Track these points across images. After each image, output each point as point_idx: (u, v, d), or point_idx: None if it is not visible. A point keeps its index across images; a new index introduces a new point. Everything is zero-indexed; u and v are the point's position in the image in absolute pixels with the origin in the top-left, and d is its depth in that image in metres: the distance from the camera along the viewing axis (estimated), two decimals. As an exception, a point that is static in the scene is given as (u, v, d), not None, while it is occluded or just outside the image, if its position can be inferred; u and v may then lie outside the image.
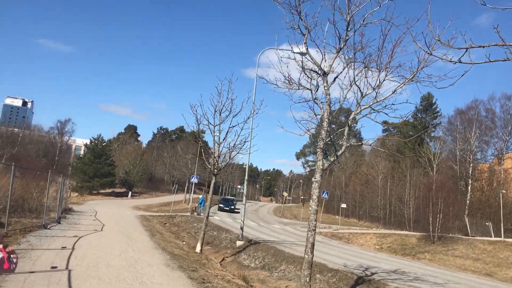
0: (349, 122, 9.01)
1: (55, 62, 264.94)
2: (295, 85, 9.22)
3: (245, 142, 16.23)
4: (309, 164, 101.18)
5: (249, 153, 17.95)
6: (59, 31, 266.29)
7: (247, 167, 20.90)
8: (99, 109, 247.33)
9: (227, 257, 18.12)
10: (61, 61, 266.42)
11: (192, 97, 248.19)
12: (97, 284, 8.64)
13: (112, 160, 64.42)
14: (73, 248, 12.76)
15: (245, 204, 20.42)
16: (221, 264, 16.76)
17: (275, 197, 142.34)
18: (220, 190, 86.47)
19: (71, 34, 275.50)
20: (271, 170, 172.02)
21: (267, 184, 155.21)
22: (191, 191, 48.44)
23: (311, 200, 8.87)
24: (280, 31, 10.32)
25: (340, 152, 8.92)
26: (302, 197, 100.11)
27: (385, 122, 62.33)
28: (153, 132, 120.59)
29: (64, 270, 9.47)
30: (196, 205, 39.99)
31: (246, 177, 20.58)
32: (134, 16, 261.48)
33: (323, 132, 8.87)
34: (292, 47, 9.30)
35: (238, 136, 16.21)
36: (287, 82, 9.28)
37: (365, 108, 8.92)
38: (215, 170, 16.65)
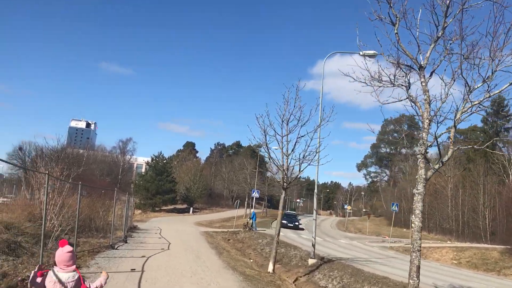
0: (455, 121, 7.61)
1: (115, 84, 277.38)
2: (386, 82, 7.96)
3: (316, 152, 15.01)
4: (371, 175, 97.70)
5: (318, 165, 16.74)
6: (119, 54, 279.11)
7: (316, 177, 19.62)
8: (158, 128, 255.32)
9: (300, 277, 16.86)
10: (121, 83, 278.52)
11: (250, 110, 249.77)
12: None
13: (173, 177, 65.20)
14: (142, 270, 12.09)
15: (315, 220, 19.12)
16: (295, 285, 15.54)
17: (335, 210, 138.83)
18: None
19: (129, 58, 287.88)
20: (329, 182, 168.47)
21: (326, 197, 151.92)
22: (251, 206, 47.59)
23: (413, 216, 7.53)
24: (363, 23, 9.12)
25: (446, 158, 7.52)
26: (364, 210, 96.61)
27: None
28: (211, 148, 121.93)
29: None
30: (248, 220, 39.03)
31: (315, 190, 19.28)
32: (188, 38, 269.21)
33: (424, 135, 7.53)
34: (378, 40, 8.07)
35: (308, 146, 15.07)
36: (376, 79, 8.04)
37: (474, 105, 7.50)
38: (285, 184, 15.56)
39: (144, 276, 11.20)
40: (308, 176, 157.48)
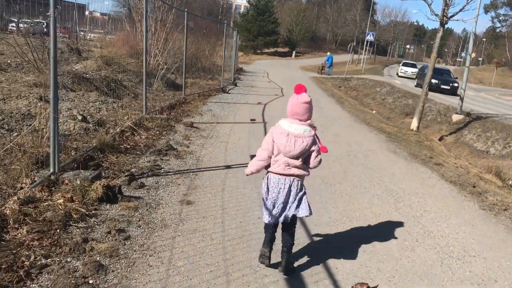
0: None
1: None
2: None
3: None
4: (499, 18, 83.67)
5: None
6: None
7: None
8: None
9: (446, 136, 13.83)
10: None
11: None
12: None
13: (275, 17, 60.97)
14: (264, 121, 9.86)
15: (468, 67, 15.12)
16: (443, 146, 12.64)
17: (443, 59, 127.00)
18: (388, 51, 78.64)
19: None
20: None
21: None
22: (365, 51, 43.02)
23: None
24: None
25: None
26: (480, 59, 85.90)
27: None
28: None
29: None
30: (323, 62, 35.47)
31: (475, 25, 14.77)
32: None
33: None
34: None
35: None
36: None
37: None
38: (445, 18, 11.54)
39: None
40: (417, 21, 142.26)
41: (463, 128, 14.12)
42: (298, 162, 3.18)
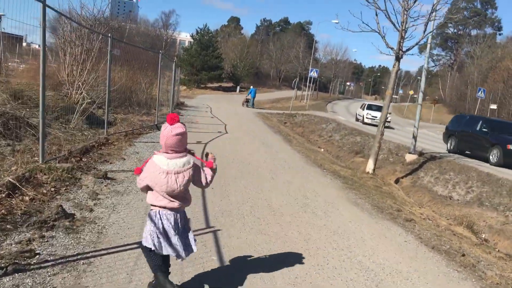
0: None
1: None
2: None
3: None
4: (433, 58, 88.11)
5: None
6: None
7: (428, 46, 14.32)
8: (201, 3, 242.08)
9: (401, 178, 12.83)
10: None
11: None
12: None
13: (218, 53, 60.28)
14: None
15: (421, 104, 14.41)
16: (400, 189, 11.55)
17: (380, 96, 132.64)
18: (330, 87, 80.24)
19: None
20: (377, 66, 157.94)
21: (372, 82, 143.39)
22: (308, 87, 42.89)
23: None
24: None
25: None
26: (414, 96, 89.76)
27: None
28: (256, 25, 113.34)
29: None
30: (246, 96, 36.17)
31: (425, 63, 14.17)
32: None
33: None
34: None
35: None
36: None
37: None
38: (400, 52, 10.68)
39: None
40: (355, 59, 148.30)
41: (418, 169, 13.21)
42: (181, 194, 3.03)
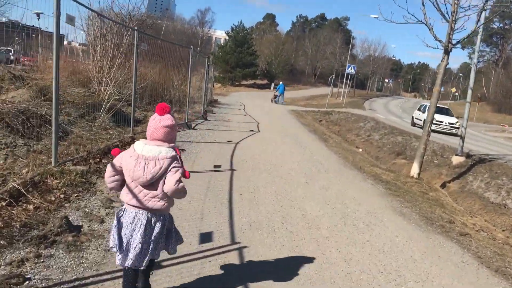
0: None
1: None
2: None
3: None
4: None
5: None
6: None
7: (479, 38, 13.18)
8: (237, 0, 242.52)
9: (448, 182, 11.81)
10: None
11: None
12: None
13: (253, 49, 59.71)
14: (231, 169, 7.61)
15: (469, 102, 13.31)
16: (447, 194, 10.58)
17: (420, 93, 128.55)
18: (367, 84, 78.24)
19: None
20: (416, 63, 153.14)
21: (411, 79, 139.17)
22: (345, 85, 41.62)
23: None
24: None
25: None
26: (455, 93, 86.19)
27: None
28: (292, 21, 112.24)
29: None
30: (274, 92, 35.10)
31: (477, 48, 13.04)
32: None
33: None
34: None
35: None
36: None
37: None
38: (450, 45, 9.70)
39: (236, 185, 6.66)
40: (393, 55, 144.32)
41: (466, 173, 12.15)
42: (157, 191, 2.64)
